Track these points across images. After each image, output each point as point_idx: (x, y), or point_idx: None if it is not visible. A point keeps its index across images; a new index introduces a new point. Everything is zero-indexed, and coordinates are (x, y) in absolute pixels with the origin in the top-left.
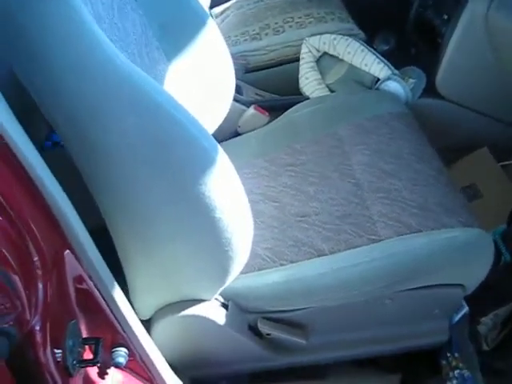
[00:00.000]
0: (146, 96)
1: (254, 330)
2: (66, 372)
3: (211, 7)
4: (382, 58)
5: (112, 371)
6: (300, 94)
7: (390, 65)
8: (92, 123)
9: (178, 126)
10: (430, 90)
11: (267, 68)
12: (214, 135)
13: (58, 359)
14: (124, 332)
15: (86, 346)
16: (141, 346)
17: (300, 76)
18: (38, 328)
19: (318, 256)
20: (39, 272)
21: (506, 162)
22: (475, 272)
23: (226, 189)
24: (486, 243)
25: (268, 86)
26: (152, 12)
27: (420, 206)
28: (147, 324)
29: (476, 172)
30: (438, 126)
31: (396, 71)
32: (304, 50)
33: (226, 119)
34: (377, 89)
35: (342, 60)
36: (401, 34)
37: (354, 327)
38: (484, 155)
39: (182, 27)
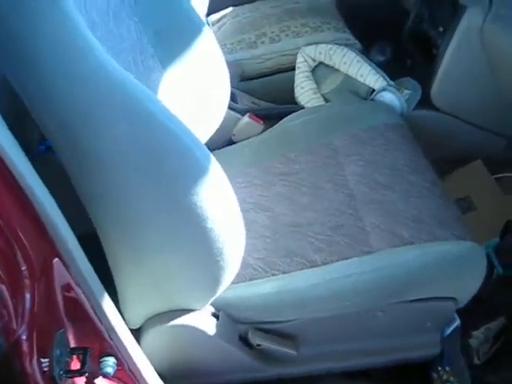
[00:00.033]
0: (139, 104)
1: (244, 340)
2: (52, 382)
3: (208, 15)
4: (377, 68)
5: (100, 381)
6: (295, 102)
7: (385, 76)
8: (84, 129)
9: (170, 136)
10: (425, 102)
11: (263, 76)
12: (208, 143)
13: (45, 369)
14: (112, 341)
15: (74, 356)
16: (129, 355)
17: (295, 85)
18: (24, 337)
19: (311, 267)
20: (27, 281)
21: (500, 175)
22: (467, 285)
23: (218, 199)
24: (479, 256)
25: (263, 95)
26: (147, 18)
27: (413, 217)
28: (137, 333)
29: (470, 184)
30: (432, 137)
31: (391, 82)
32: (300, 59)
33: (220, 127)
34: (372, 99)
35: (337, 70)
36: (397, 45)
37: (345, 339)
38: (478, 168)
39: (178, 34)
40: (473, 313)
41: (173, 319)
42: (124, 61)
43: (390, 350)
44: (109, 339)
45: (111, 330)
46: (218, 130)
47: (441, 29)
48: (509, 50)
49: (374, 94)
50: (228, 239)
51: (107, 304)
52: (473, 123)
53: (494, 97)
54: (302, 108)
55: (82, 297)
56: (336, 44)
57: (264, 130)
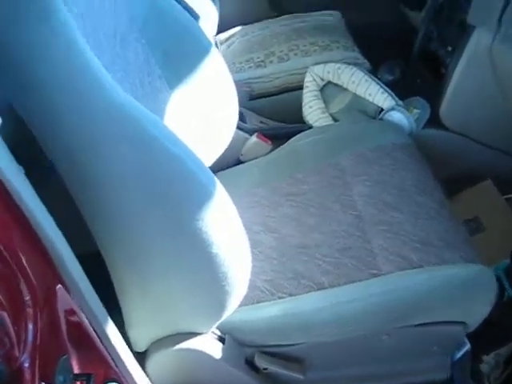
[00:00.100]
0: (142, 129)
1: (250, 364)
2: None
3: (217, 33)
4: (386, 88)
5: None
6: (304, 122)
7: (394, 95)
8: (87, 155)
9: (174, 161)
10: (434, 121)
11: (271, 95)
12: (216, 163)
13: None
14: (117, 367)
15: (78, 382)
16: (134, 381)
17: (304, 104)
18: (26, 365)
19: (318, 289)
20: (30, 311)
21: (511, 195)
22: (477, 309)
23: (223, 224)
24: (488, 280)
25: (272, 114)
26: (156, 40)
27: (421, 240)
28: (143, 356)
29: (479, 205)
30: (441, 156)
31: (400, 102)
32: (308, 78)
33: (228, 147)
34: (380, 119)
35: (345, 89)
36: (405, 65)
37: (351, 363)
38: (488, 187)
39: (185, 56)
40: (483, 337)
41: (178, 343)
42: (131, 83)
43: (398, 374)
44: (113, 365)
45: (115, 355)
46: (226, 150)
47: (449, 48)
48: None
49: (382, 113)
50: (233, 264)
51: (111, 330)
52: (482, 142)
53: (504, 116)
54: (310, 127)
55: (86, 322)
56: (345, 63)
57: (272, 150)
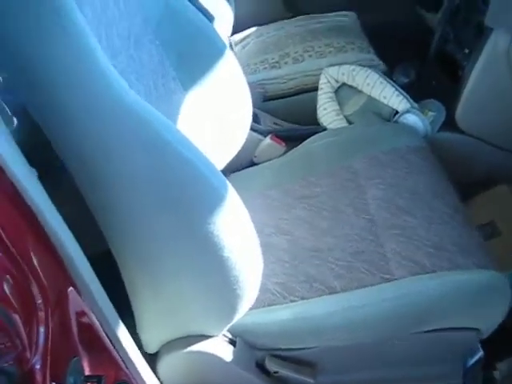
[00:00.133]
0: (155, 133)
1: (261, 367)
2: None
3: (232, 34)
4: (401, 90)
5: None
6: (318, 123)
7: (409, 98)
8: (100, 158)
9: (187, 165)
10: (450, 124)
11: (285, 97)
12: (229, 164)
13: None
14: (127, 369)
15: None
16: (144, 383)
17: (318, 106)
18: (38, 367)
19: (330, 293)
20: (42, 314)
21: None
22: (491, 315)
23: (235, 227)
24: (501, 286)
25: (286, 115)
26: (170, 41)
27: (435, 245)
28: (153, 358)
29: (495, 209)
30: (456, 160)
31: (415, 104)
32: (323, 80)
33: (242, 148)
34: (395, 121)
35: (360, 91)
36: (421, 67)
37: (363, 367)
38: (504, 192)
39: (199, 57)
40: (497, 343)
41: (189, 345)
42: (145, 85)
43: (409, 379)
44: (123, 367)
45: (126, 357)
46: (239, 152)
47: (466, 50)
48: None
49: (397, 115)
50: (245, 267)
51: (122, 332)
52: (498, 146)
53: None
54: (325, 129)
55: (97, 324)
56: (360, 65)
57: (286, 152)
